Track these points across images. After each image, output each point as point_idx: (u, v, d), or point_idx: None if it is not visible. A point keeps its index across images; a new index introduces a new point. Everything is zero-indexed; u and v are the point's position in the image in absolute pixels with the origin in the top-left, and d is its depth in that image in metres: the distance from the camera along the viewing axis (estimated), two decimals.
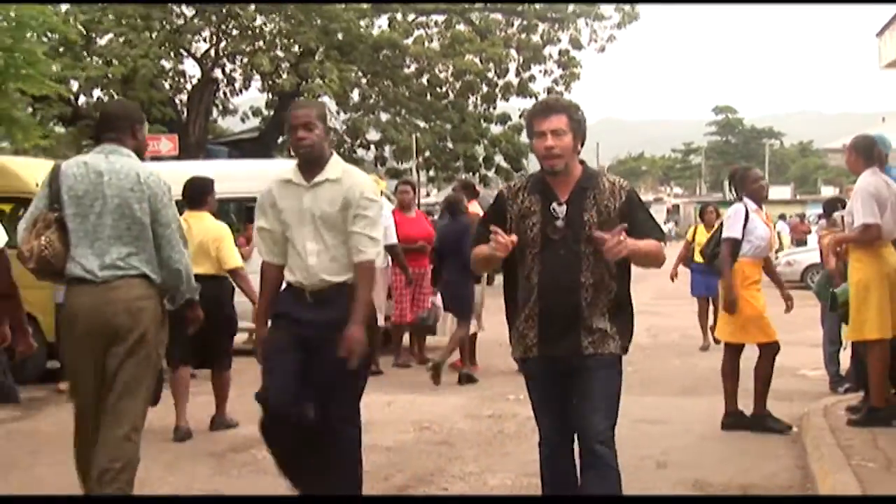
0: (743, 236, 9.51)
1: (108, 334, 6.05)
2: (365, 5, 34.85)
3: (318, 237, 6.31)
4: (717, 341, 13.96)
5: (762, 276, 9.80)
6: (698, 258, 12.19)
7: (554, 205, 5.44)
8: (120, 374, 6.07)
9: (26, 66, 12.52)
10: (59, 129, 32.16)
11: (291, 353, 6.27)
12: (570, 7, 36.94)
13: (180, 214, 6.88)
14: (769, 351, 9.56)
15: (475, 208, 14.00)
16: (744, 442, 9.02)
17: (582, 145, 5.58)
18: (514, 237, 5.31)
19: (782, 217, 41.91)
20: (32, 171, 12.73)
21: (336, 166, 6.47)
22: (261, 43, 34.85)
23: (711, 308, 15.07)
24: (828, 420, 9.21)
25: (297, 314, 6.32)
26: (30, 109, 15.63)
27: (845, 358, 11.25)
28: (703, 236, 14.38)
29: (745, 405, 9.59)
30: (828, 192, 66.92)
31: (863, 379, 9.86)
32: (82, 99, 34.12)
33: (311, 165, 6.43)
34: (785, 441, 9.03)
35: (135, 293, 6.09)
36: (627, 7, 36.63)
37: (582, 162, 5.62)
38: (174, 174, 16.98)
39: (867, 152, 9.25)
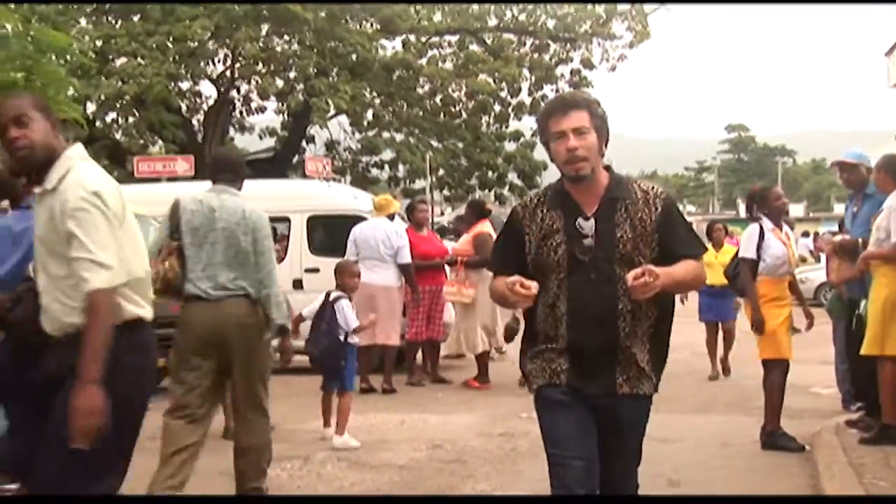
0: (759, 256, 9.53)
1: (219, 343, 7.09)
2: (371, 28, 35.00)
3: (44, 268, 4.89)
4: (726, 371, 14.45)
5: (786, 293, 9.78)
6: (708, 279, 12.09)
7: (580, 220, 4.62)
8: (239, 387, 7.31)
9: (47, 87, 12.56)
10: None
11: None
12: (583, 27, 37.02)
13: None
14: (775, 367, 9.56)
15: (486, 228, 13.97)
16: (756, 460, 9.00)
17: (606, 146, 4.77)
18: (535, 286, 4.51)
19: (805, 234, 41.64)
20: None
21: (59, 169, 4.79)
22: (274, 64, 35.00)
23: (721, 335, 14.76)
24: (840, 438, 9.16)
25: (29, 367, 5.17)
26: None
27: None
28: (711, 256, 14.19)
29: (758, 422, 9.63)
30: (840, 209, 66.63)
31: (866, 395, 9.90)
32: (96, 121, 34.22)
33: (39, 175, 4.90)
34: (797, 459, 8.98)
35: (242, 311, 7.11)
36: (639, 27, 36.68)
37: (607, 168, 4.80)
38: (188, 193, 17.08)
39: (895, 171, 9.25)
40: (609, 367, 4.62)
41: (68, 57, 15.35)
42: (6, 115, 4.82)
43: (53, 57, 13.62)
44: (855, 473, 7.73)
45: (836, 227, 15.86)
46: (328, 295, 9.98)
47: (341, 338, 9.85)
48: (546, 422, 4.75)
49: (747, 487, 7.96)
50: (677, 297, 14.05)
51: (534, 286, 4.49)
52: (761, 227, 9.65)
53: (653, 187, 4.78)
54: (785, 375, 9.58)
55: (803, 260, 22.86)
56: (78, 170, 4.74)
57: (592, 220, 4.61)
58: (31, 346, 5.00)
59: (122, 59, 33.00)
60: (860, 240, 9.61)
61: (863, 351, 9.09)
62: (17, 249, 5.89)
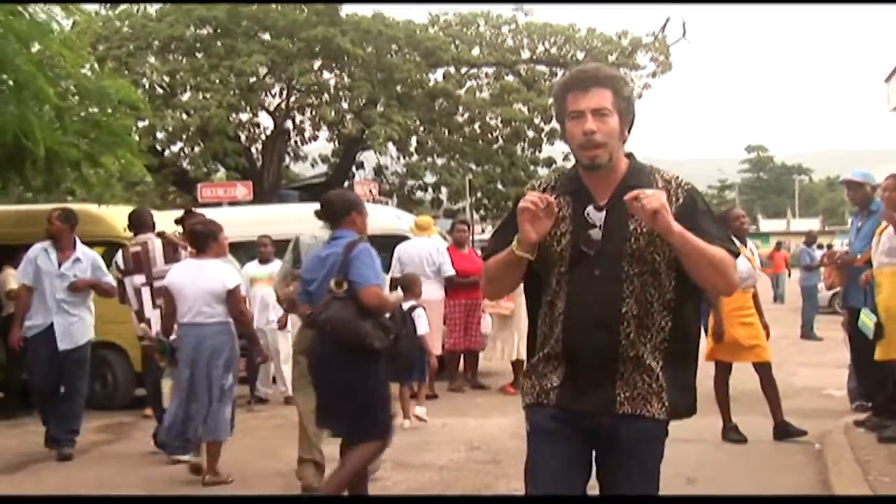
0: None
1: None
2: (417, 59, 35.16)
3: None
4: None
5: (750, 303, 9.91)
6: None
7: (590, 209, 3.80)
8: None
9: (115, 140, 12.75)
10: (148, 178, 32.63)
11: None
12: (610, 59, 37.02)
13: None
14: (762, 369, 9.80)
15: None
16: (770, 458, 8.96)
17: (629, 132, 3.93)
18: (548, 197, 3.75)
19: (820, 247, 41.40)
20: (120, 218, 12.90)
21: None
22: (326, 95, 35.28)
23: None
24: (848, 437, 9.12)
25: None
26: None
27: None
28: None
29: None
30: None
31: (874, 397, 9.93)
32: (165, 150, 34.60)
33: None
34: (808, 457, 8.93)
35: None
36: (661, 58, 36.72)
37: (629, 155, 3.93)
38: (250, 217, 17.25)
39: None
40: (608, 380, 3.71)
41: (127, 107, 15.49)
42: None
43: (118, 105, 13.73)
44: (861, 470, 7.70)
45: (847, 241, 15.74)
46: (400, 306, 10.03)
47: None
48: (529, 453, 3.92)
49: (760, 484, 7.91)
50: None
51: (550, 198, 3.73)
52: None
53: (677, 177, 3.91)
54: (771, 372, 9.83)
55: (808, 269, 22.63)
56: None
57: (604, 211, 3.79)
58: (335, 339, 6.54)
59: (187, 94, 33.39)
60: (858, 255, 9.71)
61: (881, 357, 9.06)
62: (323, 270, 6.82)
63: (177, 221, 11.09)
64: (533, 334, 4.02)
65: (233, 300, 8.54)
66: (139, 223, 10.47)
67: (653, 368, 3.72)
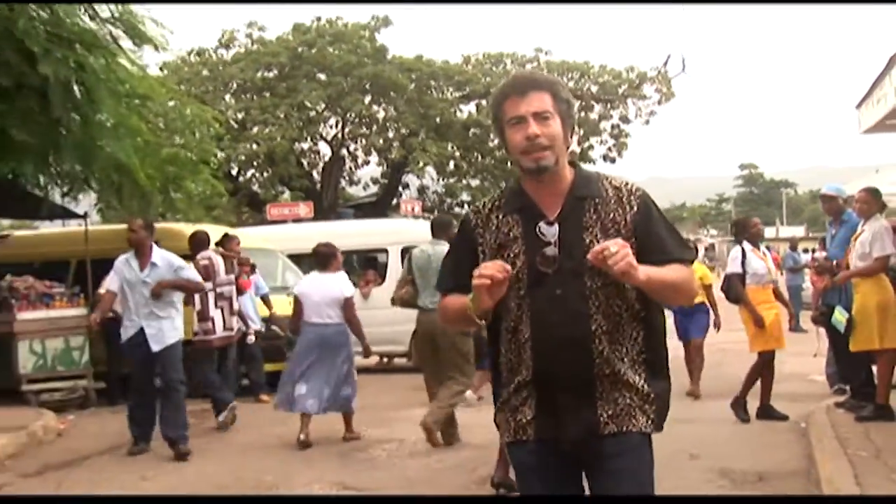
0: (745, 271, 9.81)
1: (434, 339, 8.83)
2: (455, 94, 35.28)
3: None
4: (697, 396, 11.63)
5: (771, 298, 10.03)
6: None
7: (541, 224, 3.13)
8: (445, 366, 8.87)
9: (198, 163, 12.93)
10: (224, 199, 32.96)
11: None
12: (620, 90, 36.97)
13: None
14: (764, 357, 9.77)
15: None
16: (761, 436, 8.91)
17: (572, 137, 3.32)
18: (506, 266, 3.04)
19: (805, 251, 41.07)
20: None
21: None
22: (375, 126, 35.47)
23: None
24: (829, 417, 9.07)
25: None
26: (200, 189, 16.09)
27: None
28: None
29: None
30: None
31: (851, 382, 9.94)
32: (238, 176, 34.89)
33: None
34: (795, 435, 8.88)
35: None
36: (665, 89, 36.55)
37: (573, 164, 3.28)
38: (310, 231, 17.34)
39: (875, 199, 9.27)
40: (588, 402, 3.09)
41: (210, 127, 15.64)
42: None
43: (204, 130, 13.90)
44: (841, 446, 7.64)
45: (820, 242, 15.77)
46: None
47: None
48: (520, 488, 3.41)
49: (753, 458, 7.88)
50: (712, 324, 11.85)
51: (508, 266, 3.03)
52: (743, 249, 9.98)
53: (626, 183, 3.26)
54: (772, 362, 9.79)
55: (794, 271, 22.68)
56: None
57: (556, 225, 3.13)
58: None
59: (257, 128, 33.70)
60: (834, 262, 9.75)
61: (857, 347, 9.06)
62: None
63: (217, 244, 11.61)
64: (496, 364, 3.32)
65: (348, 306, 9.53)
66: (199, 243, 11.49)
67: (633, 383, 3.11)
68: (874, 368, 9.30)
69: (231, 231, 13.44)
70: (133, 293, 9.20)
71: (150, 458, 8.94)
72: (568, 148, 3.20)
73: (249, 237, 15.26)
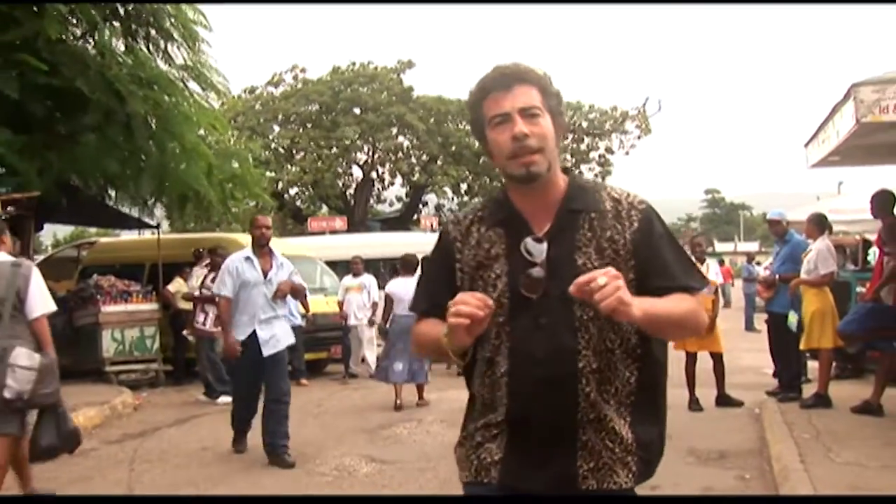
0: None
1: None
2: (466, 126, 35.40)
3: None
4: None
5: (709, 307, 9.73)
6: None
7: (528, 241, 2.23)
8: None
9: (249, 185, 13.20)
10: (271, 214, 33.29)
11: None
12: (605, 126, 37.05)
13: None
14: (717, 357, 9.73)
15: None
16: (721, 421, 8.87)
17: (563, 139, 2.65)
18: (488, 301, 2.13)
19: (758, 263, 41.08)
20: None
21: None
22: (400, 154, 35.60)
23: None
24: (778, 405, 9.04)
25: None
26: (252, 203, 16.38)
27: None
28: None
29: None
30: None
31: (782, 376, 9.92)
32: (284, 194, 35.02)
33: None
34: (750, 419, 8.86)
35: None
36: (643, 126, 36.61)
37: (567, 170, 2.41)
38: (344, 242, 17.37)
39: (821, 224, 9.30)
40: (566, 451, 2.24)
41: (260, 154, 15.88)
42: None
43: (251, 160, 14.21)
44: (788, 429, 7.63)
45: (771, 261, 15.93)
46: None
47: None
48: None
49: (715, 439, 7.87)
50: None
51: (489, 301, 2.14)
52: None
53: (627, 195, 2.35)
54: (722, 360, 9.76)
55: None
56: None
57: (545, 243, 2.23)
58: None
59: (300, 154, 33.94)
60: (777, 276, 9.78)
61: (805, 346, 9.13)
62: None
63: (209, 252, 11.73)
64: (470, 396, 2.46)
65: None
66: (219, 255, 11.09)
67: (618, 430, 2.25)
68: (808, 364, 9.49)
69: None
70: (251, 294, 7.50)
71: (208, 430, 8.98)
72: (559, 151, 2.35)
73: (293, 246, 15.37)
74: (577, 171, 2.34)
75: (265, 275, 7.56)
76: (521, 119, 2.23)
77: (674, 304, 2.22)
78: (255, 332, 7.44)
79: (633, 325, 2.20)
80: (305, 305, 12.82)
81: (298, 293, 8.34)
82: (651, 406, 2.33)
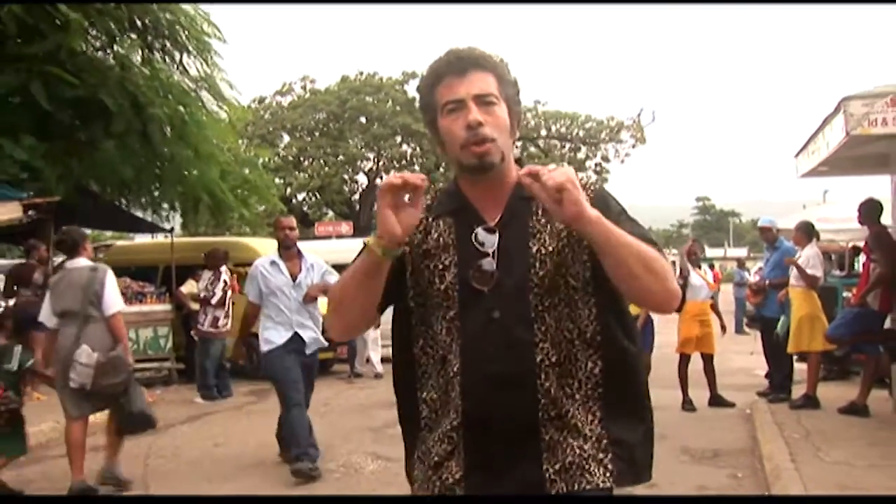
0: (684, 287, 9.60)
1: None
2: None
3: None
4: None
5: (709, 312, 9.88)
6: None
7: (479, 230, 2.03)
8: None
9: (261, 191, 13.28)
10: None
11: None
12: (602, 135, 37.10)
13: None
14: (709, 359, 9.74)
15: None
16: (714, 421, 8.86)
17: (518, 128, 2.14)
18: (419, 179, 1.88)
19: (747, 270, 41.09)
20: (263, 247, 13.15)
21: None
22: (404, 161, 35.65)
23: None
24: (769, 405, 9.04)
25: None
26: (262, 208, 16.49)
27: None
28: None
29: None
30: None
31: (773, 377, 9.89)
32: (292, 199, 35.04)
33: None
34: (742, 419, 8.83)
35: None
36: (638, 135, 36.67)
37: (519, 160, 2.16)
38: (350, 246, 17.41)
39: (808, 232, 9.32)
40: (529, 453, 1.99)
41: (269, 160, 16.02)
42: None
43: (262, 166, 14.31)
44: (778, 429, 7.62)
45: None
46: None
47: None
48: None
49: (708, 438, 7.85)
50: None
51: (419, 179, 1.88)
52: (681, 268, 9.86)
53: (580, 178, 1.90)
54: (687, 362, 9.74)
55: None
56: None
57: (496, 233, 2.02)
58: None
59: (307, 161, 34.00)
60: (767, 281, 9.81)
61: (792, 349, 9.14)
62: None
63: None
64: (411, 403, 2.13)
65: None
66: (219, 257, 11.45)
67: (583, 427, 1.99)
68: (796, 366, 9.52)
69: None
70: (281, 299, 6.77)
71: (221, 427, 8.96)
72: (514, 142, 2.11)
73: (302, 250, 15.33)
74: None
75: (294, 278, 6.82)
76: (475, 107, 1.98)
77: (638, 242, 1.88)
78: (296, 334, 6.73)
79: (593, 306, 2.01)
80: None
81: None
82: (626, 401, 2.06)
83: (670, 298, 1.93)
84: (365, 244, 1.96)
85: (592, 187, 2.06)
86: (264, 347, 6.75)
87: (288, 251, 6.96)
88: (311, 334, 6.84)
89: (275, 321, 6.75)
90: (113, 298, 6.28)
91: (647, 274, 1.87)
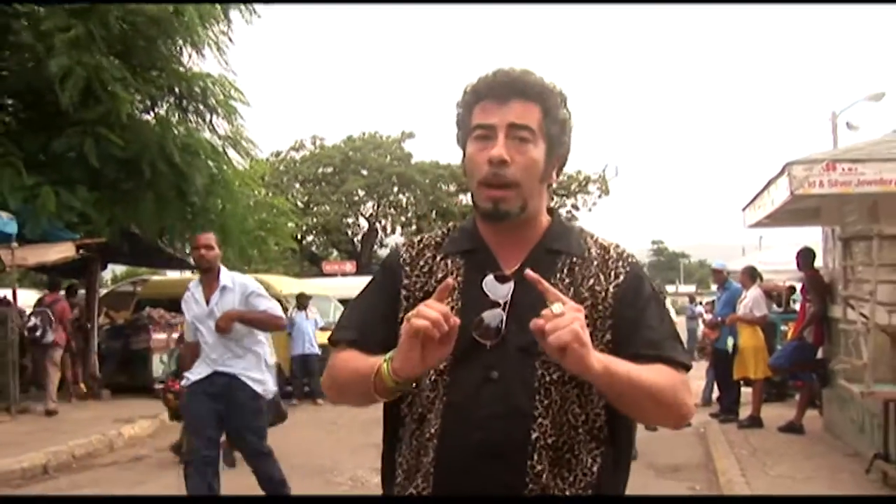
0: None
1: None
2: (455, 188, 35.73)
3: None
4: None
5: None
6: None
7: (490, 278, 1.43)
8: None
9: (277, 232, 13.48)
10: (291, 257, 33.50)
11: None
12: (572, 187, 37.42)
13: None
14: None
15: None
16: (673, 439, 8.72)
17: (559, 174, 1.59)
18: (454, 319, 1.32)
19: (699, 303, 41.39)
20: (280, 284, 13.26)
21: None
22: (400, 208, 35.86)
23: None
24: (721, 425, 9.10)
25: None
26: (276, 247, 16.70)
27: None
28: None
29: None
30: (714, 289, 65.68)
31: (723, 401, 9.88)
32: (303, 240, 35.13)
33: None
34: (697, 438, 8.82)
35: None
36: (604, 188, 37.01)
37: (552, 211, 1.61)
38: (354, 283, 17.41)
39: (752, 275, 9.52)
40: None
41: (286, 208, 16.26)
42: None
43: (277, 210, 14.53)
44: (729, 447, 7.68)
45: (712, 299, 16.21)
46: None
47: None
48: None
49: (670, 454, 7.81)
50: None
51: (453, 319, 1.35)
52: None
53: (617, 245, 1.61)
54: None
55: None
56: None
57: (511, 283, 1.46)
58: None
59: (316, 207, 34.15)
60: (720, 318, 9.87)
61: (738, 376, 9.31)
62: None
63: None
64: (389, 465, 1.63)
65: None
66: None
67: None
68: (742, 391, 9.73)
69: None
70: (200, 331, 4.91)
71: None
72: (550, 187, 1.62)
73: (312, 286, 15.42)
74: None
75: (207, 303, 4.91)
76: (504, 139, 1.49)
77: (650, 372, 1.44)
78: (215, 373, 4.82)
79: (601, 395, 1.47)
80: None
81: (259, 322, 4.89)
82: (614, 494, 1.57)
83: (680, 422, 1.54)
84: (380, 368, 1.43)
85: (629, 260, 1.60)
86: (183, 382, 5.08)
87: (206, 274, 4.96)
88: (233, 375, 4.81)
89: (202, 356, 4.94)
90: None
91: (656, 408, 1.47)
